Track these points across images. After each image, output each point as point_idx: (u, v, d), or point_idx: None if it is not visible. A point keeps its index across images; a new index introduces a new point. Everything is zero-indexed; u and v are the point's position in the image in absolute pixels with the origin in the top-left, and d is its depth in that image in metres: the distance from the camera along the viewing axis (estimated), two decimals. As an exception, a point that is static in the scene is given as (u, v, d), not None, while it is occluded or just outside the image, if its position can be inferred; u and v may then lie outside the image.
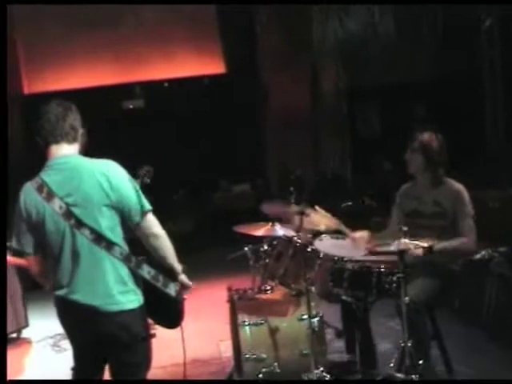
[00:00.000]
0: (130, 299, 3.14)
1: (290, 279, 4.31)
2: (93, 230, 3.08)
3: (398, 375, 4.05)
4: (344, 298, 4.35)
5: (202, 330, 5.98)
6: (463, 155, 9.03)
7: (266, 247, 4.58)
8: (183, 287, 3.33)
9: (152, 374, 5.08)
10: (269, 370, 4.31)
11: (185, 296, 3.35)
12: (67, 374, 3.40)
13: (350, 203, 8.11)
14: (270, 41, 10.48)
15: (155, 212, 10.75)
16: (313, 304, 4.50)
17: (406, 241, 3.92)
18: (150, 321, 3.36)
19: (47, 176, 3.14)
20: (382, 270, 4.20)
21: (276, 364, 4.32)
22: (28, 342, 6.52)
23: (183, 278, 3.32)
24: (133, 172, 6.00)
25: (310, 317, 4.10)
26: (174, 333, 6.11)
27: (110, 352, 3.20)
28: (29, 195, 3.13)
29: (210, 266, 8.29)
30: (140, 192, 3.24)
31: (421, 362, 4.07)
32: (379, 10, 10.02)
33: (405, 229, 3.96)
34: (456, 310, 5.65)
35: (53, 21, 10.02)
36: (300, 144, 10.44)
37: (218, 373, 5.05)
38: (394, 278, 4.06)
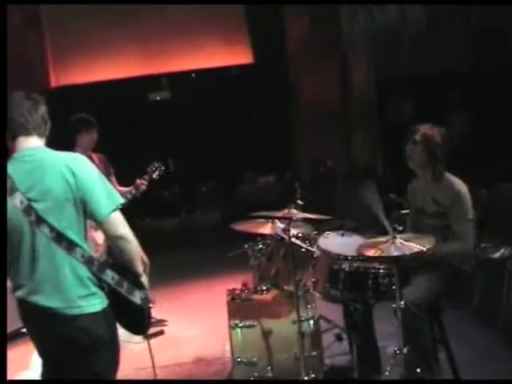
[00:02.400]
0: (92, 303, 2.99)
1: (282, 280, 4.12)
2: (53, 228, 2.92)
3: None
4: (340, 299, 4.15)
5: (212, 329, 5.85)
6: (496, 146, 8.70)
7: (260, 245, 4.39)
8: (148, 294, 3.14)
9: (152, 373, 5.10)
10: (261, 374, 4.13)
11: (151, 305, 3.14)
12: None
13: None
14: (300, 31, 10.23)
15: (183, 203, 10.62)
16: (312, 305, 4.33)
17: (403, 243, 3.68)
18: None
19: (12, 167, 2.99)
20: (381, 271, 3.98)
21: (269, 368, 4.14)
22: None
23: (144, 280, 3.11)
24: (146, 167, 6.03)
25: (300, 320, 3.91)
26: (181, 332, 6.05)
27: (71, 356, 3.05)
28: None
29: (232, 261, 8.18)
30: (109, 189, 3.06)
31: (418, 370, 3.85)
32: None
33: (399, 228, 3.73)
34: (472, 312, 5.40)
35: (80, 14, 9.96)
36: (330, 136, 10.19)
37: (217, 373, 4.90)
38: (393, 281, 3.84)
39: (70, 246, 2.95)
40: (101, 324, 3.01)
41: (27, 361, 3.97)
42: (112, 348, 3.12)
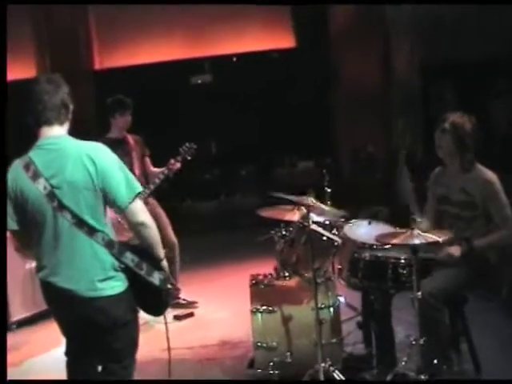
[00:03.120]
0: (111, 285, 3.10)
1: (302, 267, 4.15)
2: (74, 215, 3.04)
3: (411, 374, 3.85)
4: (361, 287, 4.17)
5: (240, 312, 5.91)
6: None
7: (284, 232, 4.42)
8: (168, 276, 3.26)
9: (179, 354, 5.21)
10: (280, 360, 4.19)
11: (169, 286, 3.26)
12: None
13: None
14: (342, 14, 10.13)
15: (223, 185, 10.75)
16: (333, 293, 4.36)
17: (422, 233, 3.66)
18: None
19: (35, 155, 3.11)
20: (402, 261, 3.97)
21: (288, 353, 4.19)
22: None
23: (164, 264, 3.25)
24: (177, 149, 6.10)
25: (318, 307, 3.93)
26: (210, 314, 6.14)
27: (91, 336, 3.18)
28: (16, 173, 3.11)
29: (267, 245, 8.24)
30: (129, 177, 3.16)
31: (435, 361, 3.84)
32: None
33: (419, 219, 3.72)
34: (501, 303, 5.34)
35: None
36: (371, 121, 10.08)
37: (241, 357, 4.95)
38: (413, 271, 3.82)
39: (90, 230, 3.06)
40: (120, 306, 3.12)
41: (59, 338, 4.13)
42: (131, 329, 3.23)
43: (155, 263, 3.20)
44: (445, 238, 3.65)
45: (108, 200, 3.11)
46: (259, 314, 4.26)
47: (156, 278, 3.17)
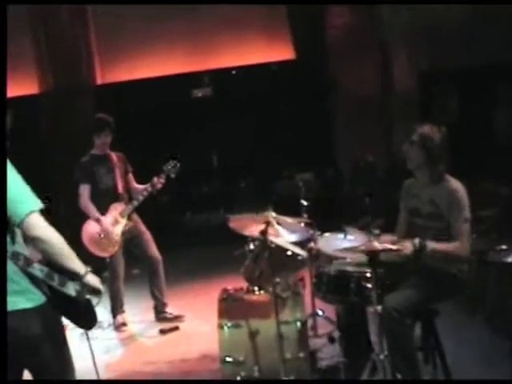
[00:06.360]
0: (26, 298, 3.01)
1: (265, 282, 4.12)
2: None
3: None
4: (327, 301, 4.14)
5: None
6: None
7: (251, 246, 4.41)
8: (89, 288, 3.16)
9: (159, 368, 5.22)
10: (247, 374, 4.16)
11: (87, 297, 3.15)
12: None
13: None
14: (339, 25, 10.10)
15: (223, 198, 10.73)
16: (301, 307, 4.33)
17: (376, 243, 3.63)
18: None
19: None
20: (367, 274, 3.93)
21: (256, 368, 4.16)
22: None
23: (89, 280, 3.15)
24: (161, 166, 6.13)
25: (278, 323, 3.90)
26: (195, 328, 6.11)
27: (14, 354, 3.01)
28: None
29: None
30: (27, 192, 3.06)
31: (399, 376, 3.78)
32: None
33: (376, 232, 3.67)
34: (486, 317, 5.25)
35: (125, 11, 10.17)
36: (371, 131, 10.00)
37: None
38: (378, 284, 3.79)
39: None
40: (36, 321, 3.02)
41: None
42: (53, 345, 3.10)
43: (69, 274, 3.09)
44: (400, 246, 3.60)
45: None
46: (226, 328, 4.24)
47: (71, 289, 3.08)
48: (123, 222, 6.05)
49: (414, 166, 4.22)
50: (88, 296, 3.14)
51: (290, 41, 10.46)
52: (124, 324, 6.26)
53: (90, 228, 6.04)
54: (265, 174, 10.44)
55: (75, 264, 3.11)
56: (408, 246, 3.87)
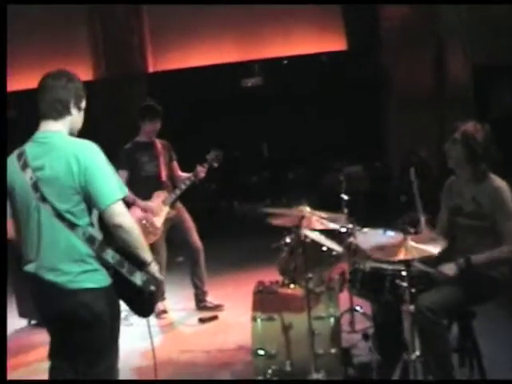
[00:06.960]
0: (92, 279, 3.13)
1: (299, 276, 4.10)
2: (54, 208, 3.10)
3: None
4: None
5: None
6: None
7: (288, 240, 4.39)
8: (153, 279, 3.25)
9: (194, 357, 5.26)
10: (278, 368, 4.15)
11: (152, 288, 3.23)
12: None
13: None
14: (394, 17, 9.92)
15: (270, 189, 10.74)
16: (335, 303, 4.29)
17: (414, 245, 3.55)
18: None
19: (29, 147, 3.21)
20: (403, 273, 3.85)
21: (288, 362, 4.15)
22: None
23: (152, 269, 3.25)
24: (205, 155, 6.16)
25: (310, 318, 3.87)
26: (233, 318, 6.13)
27: (71, 332, 3.19)
28: (10, 162, 3.22)
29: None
30: (114, 180, 3.17)
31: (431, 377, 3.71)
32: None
33: (411, 230, 3.60)
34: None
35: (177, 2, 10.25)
36: (423, 125, 9.85)
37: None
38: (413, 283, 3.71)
39: (70, 224, 3.11)
40: (100, 301, 3.15)
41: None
42: (111, 326, 3.24)
43: (139, 264, 3.20)
44: (439, 251, 3.51)
45: (90, 199, 3.13)
46: (259, 321, 4.24)
47: (138, 278, 3.18)
48: (166, 210, 6.09)
49: (454, 165, 4.12)
50: (152, 288, 3.21)
51: (342, 32, 10.35)
52: (164, 311, 6.32)
53: (134, 215, 6.09)
54: (314, 165, 10.39)
55: (146, 253, 3.23)
56: (452, 268, 3.79)
